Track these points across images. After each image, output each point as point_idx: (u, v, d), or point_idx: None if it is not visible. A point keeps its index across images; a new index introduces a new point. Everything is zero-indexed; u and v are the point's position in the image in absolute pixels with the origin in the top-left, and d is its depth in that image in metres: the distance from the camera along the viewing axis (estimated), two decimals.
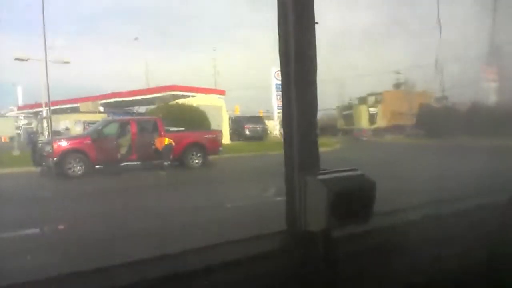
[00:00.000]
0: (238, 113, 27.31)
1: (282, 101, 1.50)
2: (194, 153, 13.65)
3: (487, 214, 1.94)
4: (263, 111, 31.82)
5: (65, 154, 11.87)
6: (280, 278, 1.42)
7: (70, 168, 11.74)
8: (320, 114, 1.52)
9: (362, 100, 29.62)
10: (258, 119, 24.83)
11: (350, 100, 30.06)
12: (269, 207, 5.91)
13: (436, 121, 18.06)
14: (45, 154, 11.72)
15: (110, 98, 27.24)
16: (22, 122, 26.50)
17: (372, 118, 28.28)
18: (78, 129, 20.49)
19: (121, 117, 17.63)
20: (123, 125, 13.62)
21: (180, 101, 19.58)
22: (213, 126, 16.50)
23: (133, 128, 13.26)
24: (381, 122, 27.75)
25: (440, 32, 2.65)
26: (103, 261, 1.36)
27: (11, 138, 19.31)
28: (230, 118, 22.83)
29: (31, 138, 17.21)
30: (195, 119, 16.18)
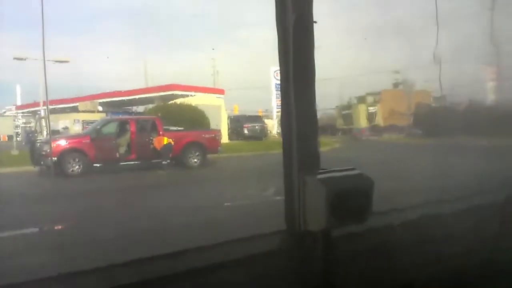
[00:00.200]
0: (237, 112, 27.30)
1: (281, 100, 1.50)
2: (193, 152, 13.65)
3: (485, 213, 1.95)
4: (262, 110, 31.84)
5: (64, 153, 11.86)
6: (279, 278, 1.42)
7: (69, 168, 11.73)
8: (319, 114, 1.52)
9: (361, 100, 29.65)
10: (257, 119, 24.80)
11: (349, 99, 30.08)
12: (268, 206, 5.92)
13: (434, 120, 18.08)
14: (43, 153, 11.70)
15: (109, 97, 27.23)
16: (21, 121, 26.45)
17: (371, 117, 28.32)
18: (77, 128, 20.48)
19: (120, 116, 17.61)
20: (122, 125, 13.61)
21: (179, 100, 19.56)
22: (212, 125, 16.50)
23: (132, 128, 13.24)
24: (380, 122, 27.80)
25: (438, 31, 2.65)
26: (102, 260, 1.36)
27: (10, 137, 19.30)
28: (229, 117, 22.81)
29: (29, 137, 17.19)
30: (194, 119, 16.18)
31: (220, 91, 27.91)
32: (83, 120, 21.61)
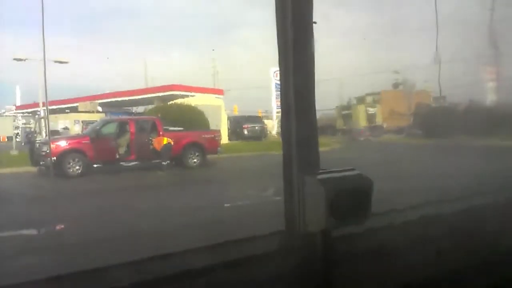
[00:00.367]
0: (236, 112, 27.33)
1: (281, 100, 1.50)
2: (193, 152, 13.65)
3: (485, 213, 1.95)
4: (261, 111, 31.86)
5: (64, 154, 11.85)
6: (279, 278, 1.42)
7: (68, 168, 11.73)
8: (319, 114, 1.52)
9: (361, 100, 29.67)
10: (257, 119, 24.81)
11: (349, 100, 30.10)
12: (268, 206, 5.92)
13: (434, 120, 18.10)
14: (42, 153, 11.69)
15: (109, 97, 27.26)
16: (21, 121, 26.46)
17: (371, 117, 28.33)
18: (77, 129, 20.48)
19: (119, 117, 17.59)
20: (122, 125, 13.59)
21: (179, 101, 19.57)
22: (212, 126, 16.51)
23: (131, 128, 13.23)
24: (379, 122, 27.81)
25: (437, 32, 2.66)
26: (101, 260, 1.37)
27: (9, 138, 19.29)
28: (228, 118, 22.81)
29: (29, 137, 17.19)
30: (194, 119, 16.18)
31: (220, 92, 27.96)
32: (83, 121, 21.62)
